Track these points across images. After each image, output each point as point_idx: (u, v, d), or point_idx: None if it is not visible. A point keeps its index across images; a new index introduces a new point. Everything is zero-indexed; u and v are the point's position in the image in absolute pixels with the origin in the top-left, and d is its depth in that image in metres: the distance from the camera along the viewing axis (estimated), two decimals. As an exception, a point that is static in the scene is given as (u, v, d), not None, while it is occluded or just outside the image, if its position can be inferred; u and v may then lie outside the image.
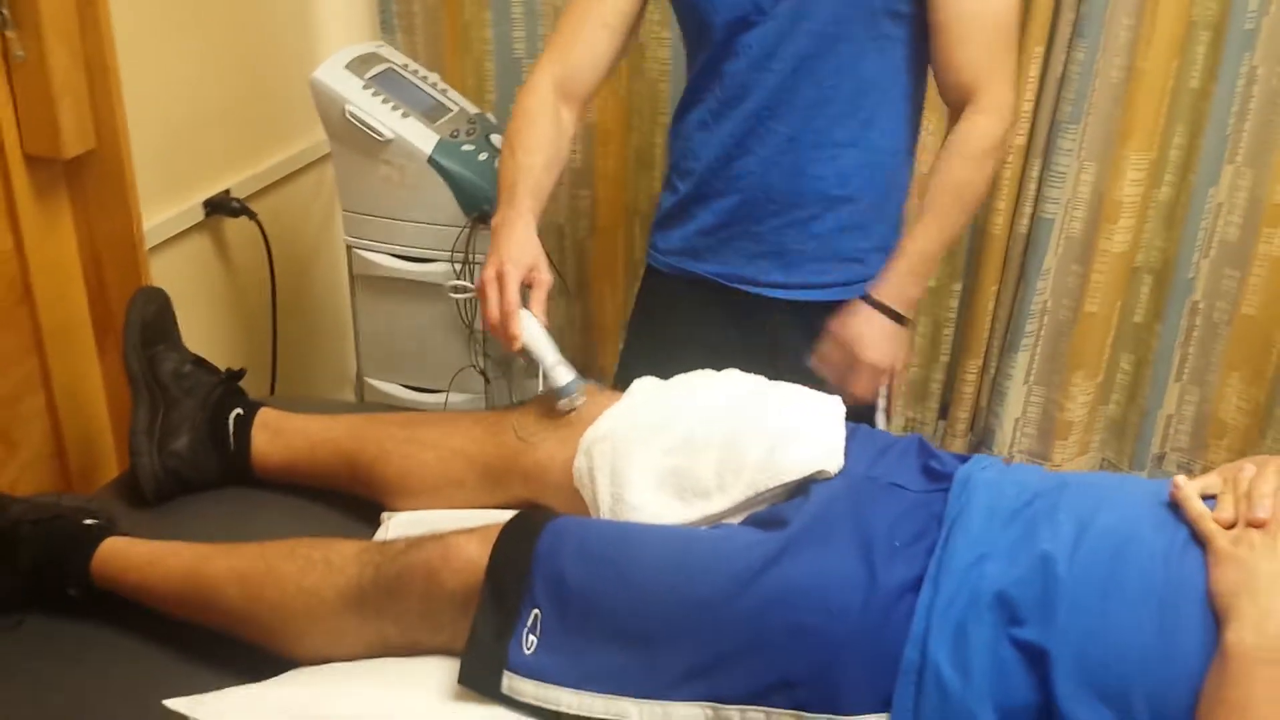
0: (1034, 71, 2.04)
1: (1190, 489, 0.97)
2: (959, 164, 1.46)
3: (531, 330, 1.31)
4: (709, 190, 1.53)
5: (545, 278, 1.34)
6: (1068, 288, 2.20)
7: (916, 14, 1.42)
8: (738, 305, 1.57)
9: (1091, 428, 2.31)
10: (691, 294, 1.60)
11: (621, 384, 1.38)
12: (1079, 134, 2.07)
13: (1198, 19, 1.98)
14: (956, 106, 1.47)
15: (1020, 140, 2.08)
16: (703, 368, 1.37)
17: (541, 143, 1.45)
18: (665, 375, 1.36)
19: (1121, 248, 2.12)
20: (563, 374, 1.31)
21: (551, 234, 2.36)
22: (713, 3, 1.43)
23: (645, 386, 1.35)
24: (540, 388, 1.35)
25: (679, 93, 1.55)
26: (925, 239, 1.49)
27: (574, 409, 1.31)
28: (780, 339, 1.55)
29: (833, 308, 1.52)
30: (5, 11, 1.39)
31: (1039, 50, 2.02)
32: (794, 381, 1.35)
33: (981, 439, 2.38)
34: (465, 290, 1.35)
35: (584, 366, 1.85)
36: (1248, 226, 2.09)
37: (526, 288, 1.34)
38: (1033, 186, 2.13)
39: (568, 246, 2.39)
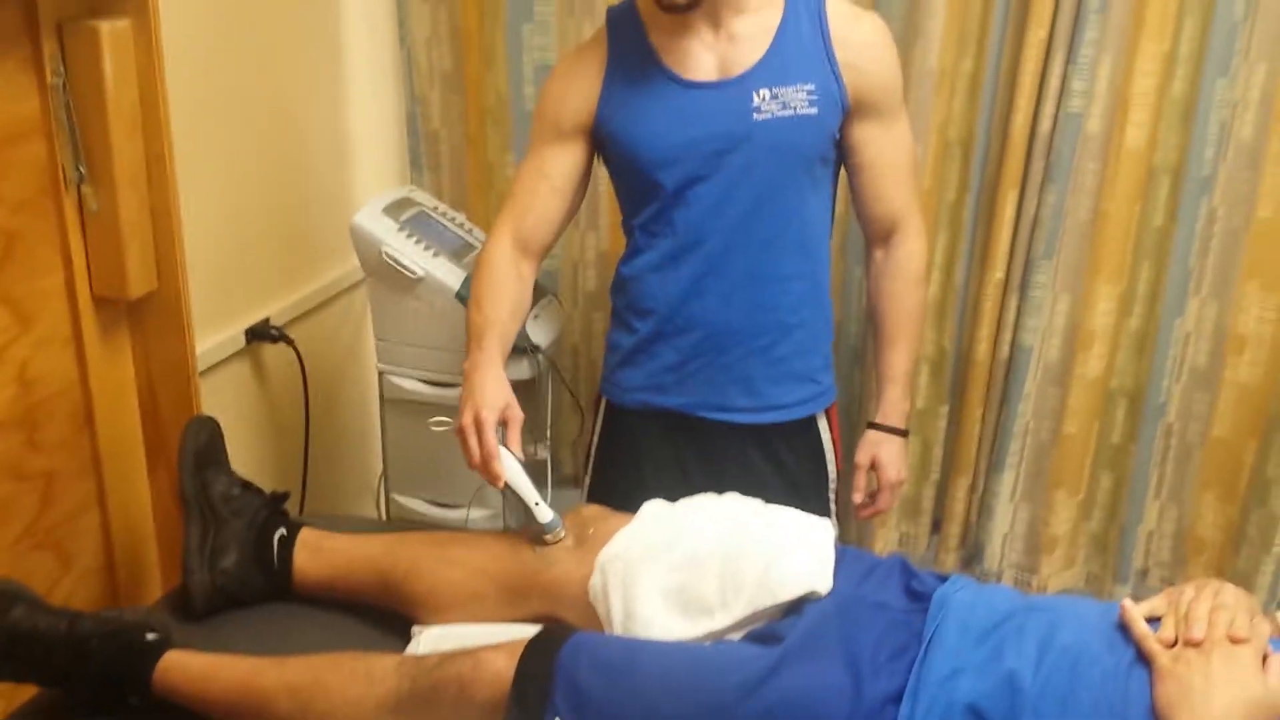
0: (1009, 212, 2.14)
1: (1136, 612, 1.08)
2: (911, 290, 1.64)
3: (512, 470, 1.42)
4: (669, 329, 1.59)
5: (518, 415, 1.45)
6: (1048, 410, 2.27)
7: (836, 159, 1.59)
8: (701, 433, 1.64)
9: (1076, 543, 2.37)
10: (654, 426, 1.66)
11: None
12: (1052, 269, 2.16)
13: (1158, 165, 2.09)
14: (882, 235, 1.63)
15: (999, 275, 2.19)
16: (670, 496, 1.46)
17: (505, 296, 1.55)
18: (634, 508, 1.44)
19: (1096, 373, 2.22)
20: (544, 513, 1.41)
21: (567, 355, 2.45)
22: (662, 166, 1.51)
23: (654, 509, 1.44)
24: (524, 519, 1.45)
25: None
26: (906, 360, 1.65)
27: (559, 540, 1.40)
28: (743, 462, 1.63)
29: (790, 427, 1.63)
30: (82, 168, 1.49)
31: (1013, 193, 2.12)
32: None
33: (973, 554, 2.42)
34: (445, 425, 1.48)
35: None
36: (1215, 354, 2.17)
37: (501, 425, 1.44)
38: (1011, 315, 2.21)
39: (581, 365, 2.49)
